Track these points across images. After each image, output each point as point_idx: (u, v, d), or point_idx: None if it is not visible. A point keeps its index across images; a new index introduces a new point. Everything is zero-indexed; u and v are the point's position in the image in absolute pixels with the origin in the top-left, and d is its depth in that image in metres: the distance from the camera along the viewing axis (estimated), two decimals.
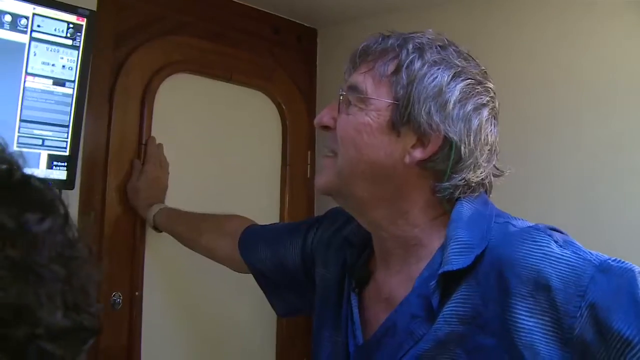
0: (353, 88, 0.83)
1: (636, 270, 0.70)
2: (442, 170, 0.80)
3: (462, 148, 0.78)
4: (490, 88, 0.83)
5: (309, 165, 1.87)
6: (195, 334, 1.59)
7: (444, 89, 0.78)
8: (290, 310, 1.16)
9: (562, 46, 1.44)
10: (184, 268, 1.54)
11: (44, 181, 0.48)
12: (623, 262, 0.71)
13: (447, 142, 0.78)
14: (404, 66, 0.79)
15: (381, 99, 0.80)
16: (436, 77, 0.78)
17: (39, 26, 1.18)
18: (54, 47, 1.21)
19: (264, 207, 1.75)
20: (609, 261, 0.70)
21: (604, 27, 1.38)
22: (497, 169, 0.85)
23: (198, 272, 1.54)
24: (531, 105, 1.47)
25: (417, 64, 0.79)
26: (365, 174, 0.81)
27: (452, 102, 0.78)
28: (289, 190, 1.81)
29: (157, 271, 1.51)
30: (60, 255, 0.44)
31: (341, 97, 0.84)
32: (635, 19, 1.33)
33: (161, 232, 1.45)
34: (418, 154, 0.79)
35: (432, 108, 0.77)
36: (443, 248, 0.78)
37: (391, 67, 0.80)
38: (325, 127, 0.86)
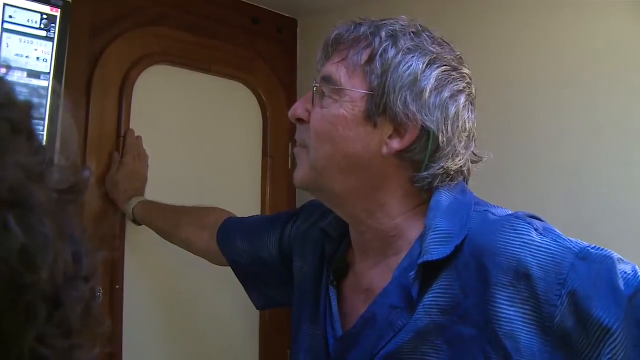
0: (326, 79, 0.81)
1: (615, 257, 0.70)
2: (420, 160, 0.79)
3: (440, 136, 0.77)
4: (466, 74, 0.82)
5: (289, 157, 1.87)
6: (177, 327, 1.59)
7: (419, 77, 0.77)
8: (268, 303, 1.15)
9: (544, 34, 1.44)
10: (164, 261, 1.54)
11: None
12: (602, 249, 0.71)
13: (424, 131, 0.77)
14: (378, 54, 0.78)
15: (355, 90, 0.78)
16: (411, 65, 0.77)
17: (10, 17, 1.16)
18: (27, 38, 1.19)
19: (244, 199, 1.74)
20: (589, 248, 0.71)
21: (585, 15, 1.39)
22: (475, 155, 0.85)
23: (179, 264, 1.54)
24: (513, 94, 1.47)
25: (391, 52, 0.77)
26: (341, 167, 0.80)
27: (427, 90, 0.77)
28: (270, 181, 1.81)
29: (137, 264, 1.50)
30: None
31: (314, 89, 0.82)
32: (617, 9, 1.34)
33: (140, 225, 1.44)
34: (395, 144, 0.78)
35: (408, 97, 0.76)
36: (422, 238, 0.77)
37: (364, 56, 0.79)
38: (300, 120, 0.85)
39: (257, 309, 1.22)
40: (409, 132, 0.77)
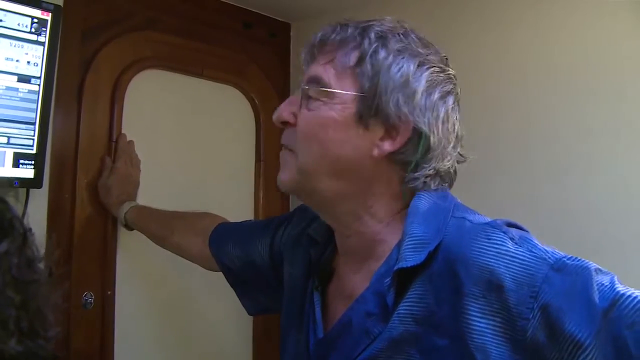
0: (314, 80, 0.79)
1: (592, 267, 0.68)
2: (411, 161, 0.78)
3: (432, 138, 0.77)
4: (452, 75, 0.81)
5: None
6: (169, 333, 1.58)
7: (410, 78, 0.76)
8: (260, 308, 1.14)
9: (536, 36, 1.45)
10: (157, 266, 1.53)
11: (2, 201, 0.47)
12: (580, 259, 0.69)
13: (416, 133, 0.76)
14: (368, 56, 0.76)
15: (346, 92, 0.77)
16: (402, 67, 0.76)
17: (1, 20, 1.15)
18: (17, 42, 1.18)
19: (237, 204, 1.74)
20: (565, 259, 0.68)
21: (577, 17, 1.39)
22: (461, 156, 0.84)
23: (171, 270, 1.53)
24: (505, 95, 1.48)
25: (382, 54, 0.76)
26: (330, 170, 0.78)
27: (419, 91, 0.76)
28: (263, 186, 1.80)
29: (129, 270, 1.49)
30: (16, 279, 0.42)
31: (302, 91, 0.80)
32: (608, 9, 1.34)
33: (133, 230, 1.43)
34: (387, 146, 0.77)
35: (400, 99, 0.75)
36: (399, 244, 0.76)
37: (353, 58, 0.77)
38: (286, 123, 0.82)
39: (249, 314, 1.21)
40: (401, 134, 0.76)
